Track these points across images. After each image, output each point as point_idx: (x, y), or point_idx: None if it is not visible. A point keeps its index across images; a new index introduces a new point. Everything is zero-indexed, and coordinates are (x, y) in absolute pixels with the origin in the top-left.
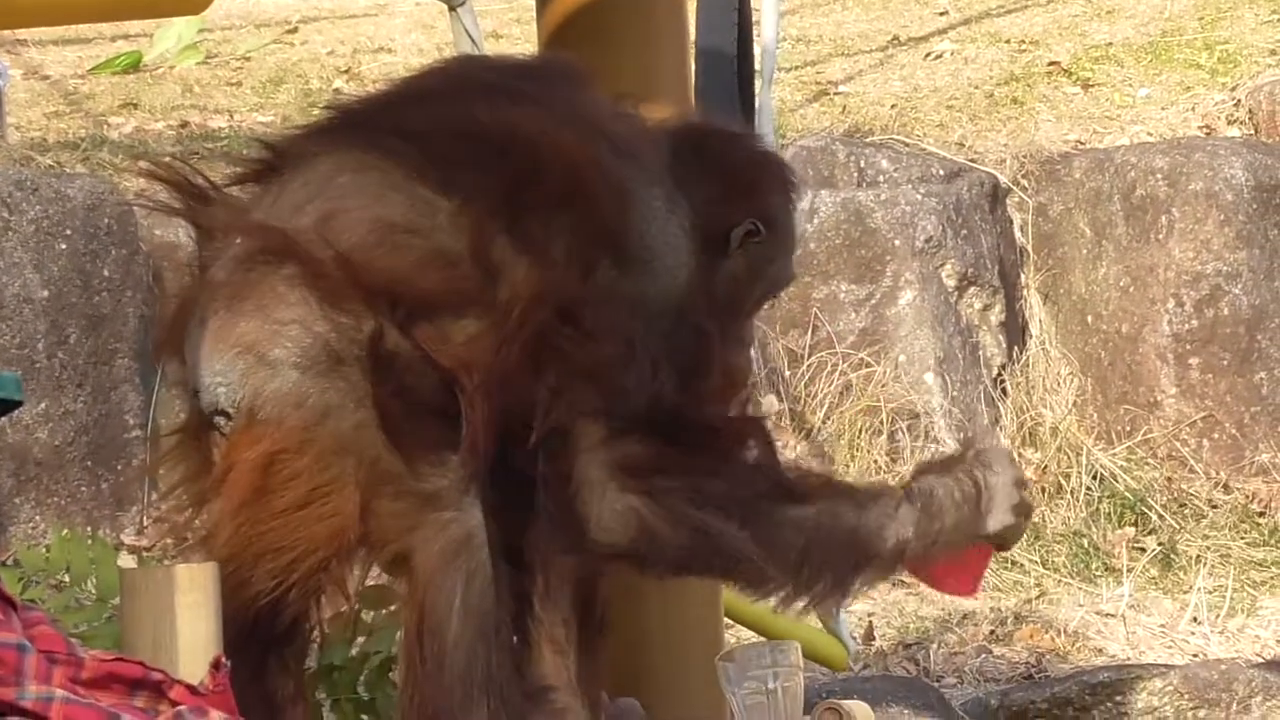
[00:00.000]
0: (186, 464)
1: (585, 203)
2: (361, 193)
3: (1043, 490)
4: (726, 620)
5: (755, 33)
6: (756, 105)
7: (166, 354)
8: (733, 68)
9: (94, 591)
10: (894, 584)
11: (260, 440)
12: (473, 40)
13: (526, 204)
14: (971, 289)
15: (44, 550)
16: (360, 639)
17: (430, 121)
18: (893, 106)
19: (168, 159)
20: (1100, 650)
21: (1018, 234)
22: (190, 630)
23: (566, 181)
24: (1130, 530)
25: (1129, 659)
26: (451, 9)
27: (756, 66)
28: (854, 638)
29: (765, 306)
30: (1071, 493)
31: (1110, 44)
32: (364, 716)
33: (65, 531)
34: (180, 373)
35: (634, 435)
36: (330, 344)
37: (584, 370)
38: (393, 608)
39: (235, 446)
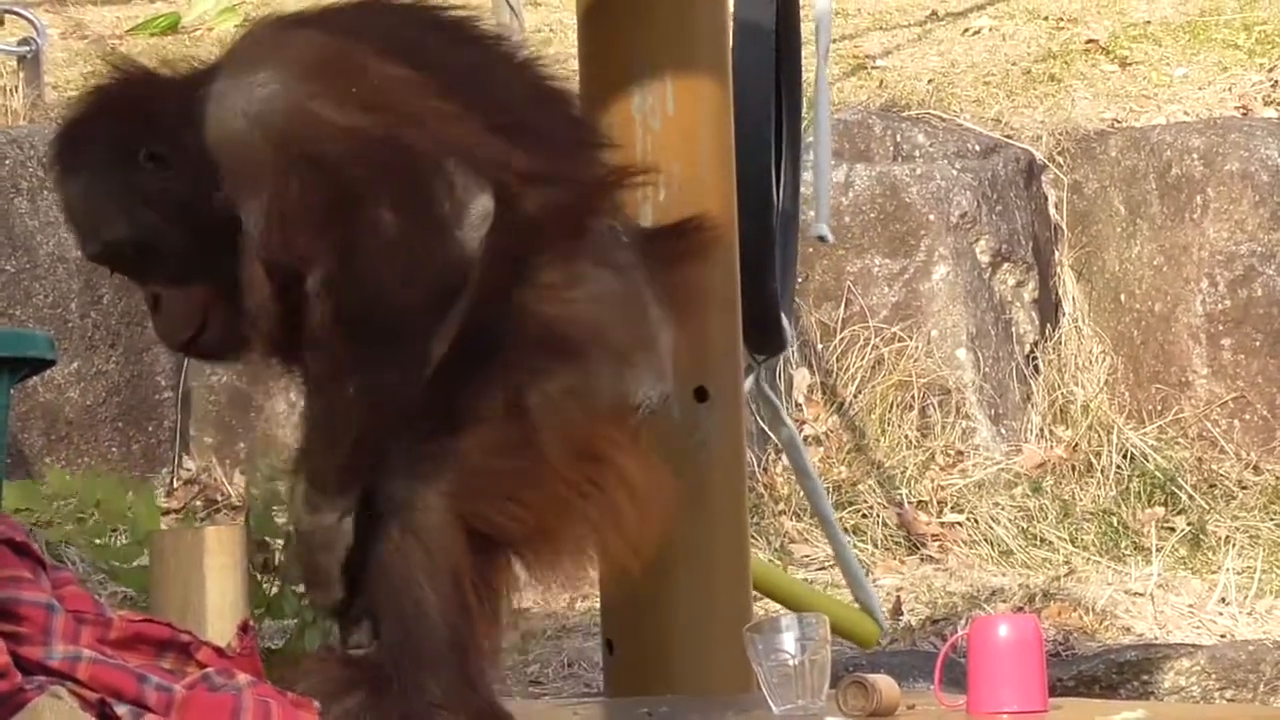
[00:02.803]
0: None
1: None
2: None
3: (1073, 469)
4: (755, 594)
5: (806, 3)
6: (813, 80)
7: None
8: (770, 41)
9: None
10: (922, 559)
11: None
12: (511, 8)
13: None
14: (1005, 265)
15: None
16: None
17: None
18: (930, 81)
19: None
20: (1128, 629)
21: (1052, 211)
22: (219, 592)
23: None
24: (1160, 510)
25: (1156, 638)
26: None
27: (806, 39)
28: (884, 614)
29: None
30: (1102, 471)
31: (1148, 23)
32: None
33: (103, 473)
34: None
35: None
36: None
37: None
38: None
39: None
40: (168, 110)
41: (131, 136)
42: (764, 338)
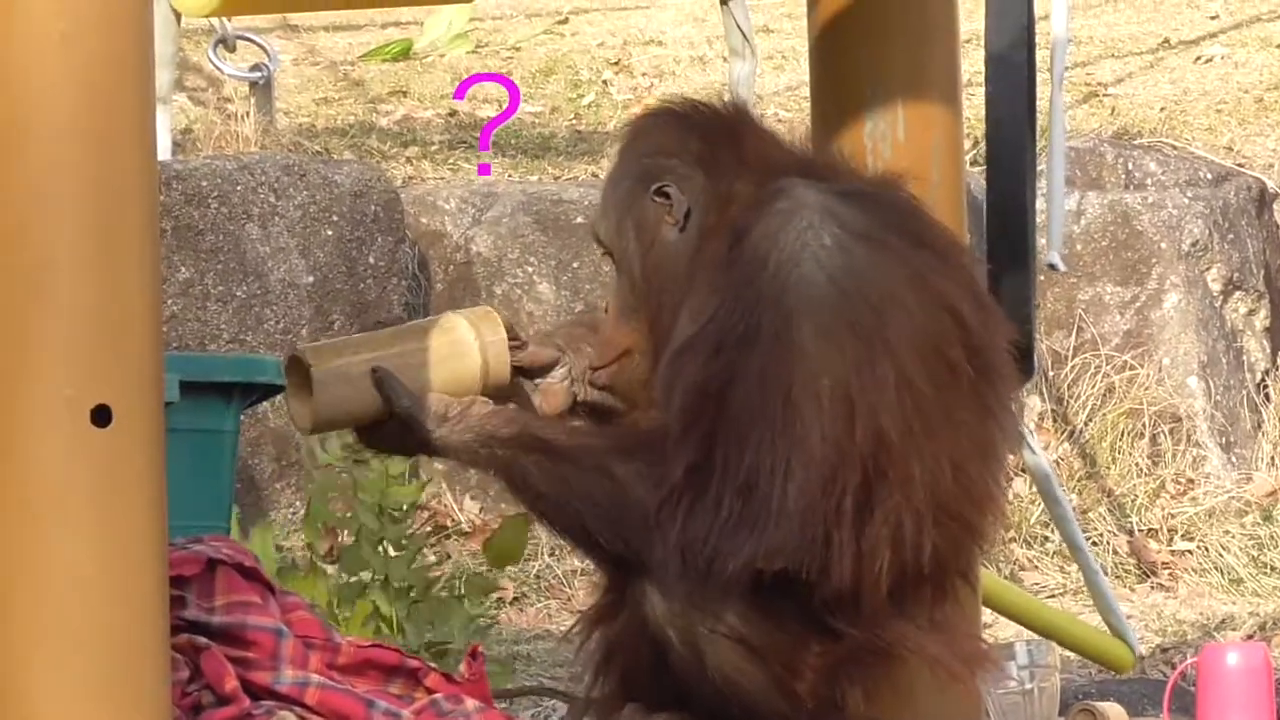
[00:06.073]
0: None
1: None
2: None
3: None
4: (998, 616)
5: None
6: (1048, 108)
7: None
8: (1024, 72)
9: None
10: (1152, 587)
11: None
12: (744, 34)
13: None
14: (1237, 293)
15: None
16: None
17: None
18: (1161, 109)
19: None
20: None
21: None
22: None
23: None
24: None
25: None
26: (723, 2)
27: (1043, 66)
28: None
29: None
30: None
31: None
32: None
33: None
34: None
35: None
36: None
37: None
38: None
39: None
40: (710, 168)
41: (659, 166)
42: (1018, 367)
